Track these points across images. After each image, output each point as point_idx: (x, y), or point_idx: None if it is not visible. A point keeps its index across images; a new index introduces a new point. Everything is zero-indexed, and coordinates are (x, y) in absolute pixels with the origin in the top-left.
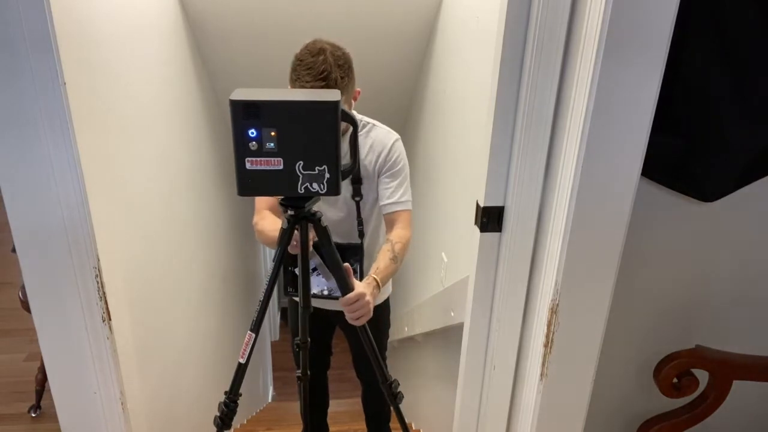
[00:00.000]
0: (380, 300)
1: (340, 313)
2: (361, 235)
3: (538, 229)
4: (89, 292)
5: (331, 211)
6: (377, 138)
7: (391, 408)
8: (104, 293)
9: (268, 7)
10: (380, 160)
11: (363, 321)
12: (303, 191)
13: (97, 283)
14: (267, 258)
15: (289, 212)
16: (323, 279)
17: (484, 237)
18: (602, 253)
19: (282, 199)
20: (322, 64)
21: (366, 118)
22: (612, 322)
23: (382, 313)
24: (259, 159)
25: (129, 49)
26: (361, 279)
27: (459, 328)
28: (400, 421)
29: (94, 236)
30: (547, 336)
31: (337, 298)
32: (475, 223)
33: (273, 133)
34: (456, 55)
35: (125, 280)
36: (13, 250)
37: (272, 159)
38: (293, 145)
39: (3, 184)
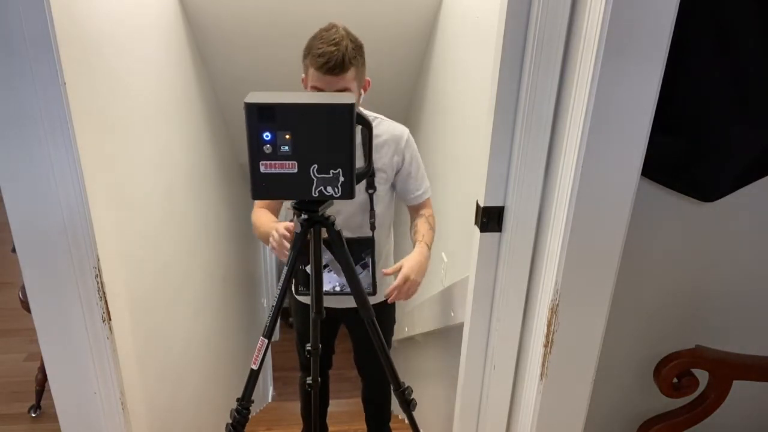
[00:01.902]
0: (383, 299)
1: (348, 311)
2: (373, 227)
3: (538, 229)
4: (89, 292)
5: (343, 204)
6: (389, 131)
7: (399, 413)
8: (104, 293)
9: (267, 6)
10: (397, 154)
11: (408, 296)
12: (317, 195)
13: (97, 283)
14: (267, 258)
15: (303, 216)
16: (335, 275)
17: (484, 237)
18: (602, 253)
19: (295, 203)
20: (335, 34)
21: (372, 113)
22: (612, 322)
23: (389, 311)
24: (273, 162)
25: (129, 49)
26: (373, 273)
27: (459, 328)
28: (414, 429)
29: (94, 236)
30: (547, 336)
31: (349, 294)
32: (475, 223)
33: (287, 136)
34: (456, 55)
35: (125, 280)
36: (13, 250)
37: (287, 162)
38: (308, 149)
39: (3, 184)
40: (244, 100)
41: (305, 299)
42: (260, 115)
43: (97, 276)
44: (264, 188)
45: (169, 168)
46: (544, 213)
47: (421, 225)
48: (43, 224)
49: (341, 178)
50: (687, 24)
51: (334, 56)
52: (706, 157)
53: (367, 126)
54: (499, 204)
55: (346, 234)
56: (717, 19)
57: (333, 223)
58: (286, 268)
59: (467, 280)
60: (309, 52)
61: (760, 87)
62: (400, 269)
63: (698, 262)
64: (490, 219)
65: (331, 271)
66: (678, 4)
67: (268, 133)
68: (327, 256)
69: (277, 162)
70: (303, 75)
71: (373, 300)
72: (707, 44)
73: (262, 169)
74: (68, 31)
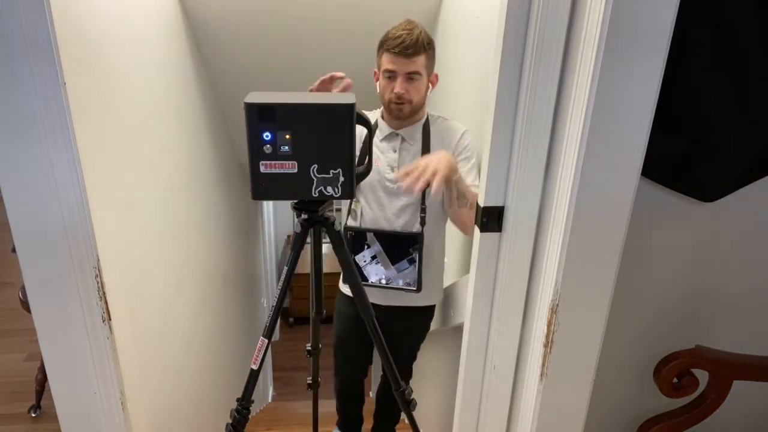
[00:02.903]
0: (428, 302)
1: (390, 310)
2: (423, 222)
3: (538, 229)
4: (89, 292)
5: (395, 200)
6: (449, 128)
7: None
8: (104, 293)
9: (267, 7)
10: (452, 146)
11: (422, 184)
12: (317, 195)
13: (97, 283)
14: (267, 258)
15: (303, 216)
16: (382, 268)
17: (484, 237)
18: (602, 253)
19: (295, 203)
20: (409, 24)
21: (437, 114)
22: (612, 322)
23: (426, 319)
24: (273, 162)
25: (129, 49)
26: (419, 270)
27: (459, 328)
28: (414, 429)
29: (94, 236)
30: (547, 336)
31: (394, 288)
32: (475, 222)
33: (287, 136)
34: (456, 55)
35: (125, 280)
36: (13, 250)
37: (287, 162)
38: (308, 149)
39: (3, 184)
40: (244, 100)
41: (350, 293)
42: (260, 115)
43: (97, 276)
44: (264, 188)
45: (169, 168)
46: (544, 213)
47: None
48: (43, 224)
49: (341, 178)
50: (687, 24)
51: (409, 37)
52: (706, 157)
53: (367, 126)
54: (499, 204)
55: (396, 228)
56: (717, 19)
57: (333, 223)
58: (286, 268)
59: (467, 280)
60: (384, 40)
61: (760, 87)
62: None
63: (698, 262)
64: (490, 219)
65: (378, 263)
66: (678, 4)
67: (268, 133)
68: (376, 248)
69: (277, 162)
70: (375, 71)
71: (414, 303)
72: (707, 44)
73: (263, 169)
74: (68, 31)
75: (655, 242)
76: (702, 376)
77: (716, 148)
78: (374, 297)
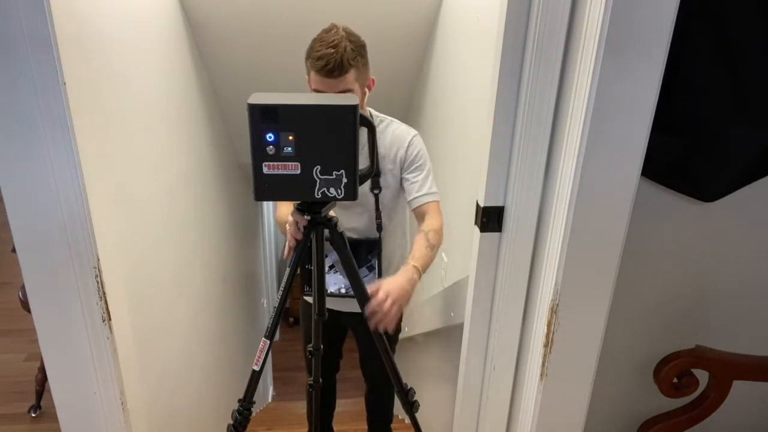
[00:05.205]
0: None
1: (353, 315)
2: (379, 228)
3: (538, 229)
4: (89, 292)
5: (349, 205)
6: (396, 133)
7: (403, 414)
8: (104, 293)
9: (268, 7)
10: (400, 156)
11: (392, 324)
12: (320, 196)
13: (97, 283)
14: (267, 258)
15: (305, 217)
16: (340, 277)
17: (484, 237)
18: (602, 253)
19: (298, 204)
20: (334, 35)
21: (382, 115)
22: (612, 322)
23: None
24: (276, 163)
25: (129, 49)
26: (379, 275)
27: (459, 328)
28: (416, 430)
29: (94, 236)
30: (547, 336)
31: (354, 296)
32: (475, 223)
33: (291, 138)
34: (456, 56)
35: (125, 280)
36: (13, 250)
37: (289, 163)
38: (311, 150)
39: (3, 183)
40: (247, 101)
41: (311, 299)
42: (263, 116)
43: (97, 276)
44: (267, 189)
45: (170, 168)
46: (544, 213)
47: (418, 244)
48: (43, 224)
49: (344, 180)
50: (687, 24)
51: (333, 59)
52: (706, 157)
53: (370, 127)
54: (499, 204)
55: (353, 235)
56: (717, 19)
57: (336, 225)
58: (288, 270)
59: (467, 280)
60: (309, 54)
61: (759, 87)
62: (377, 291)
63: (698, 262)
64: (490, 219)
65: (337, 272)
66: (678, 4)
67: (271, 134)
68: (333, 257)
69: (280, 163)
70: (307, 76)
71: None
72: (707, 44)
73: (265, 170)
74: (68, 31)
75: (655, 242)
76: (702, 376)
77: (716, 148)
78: (334, 304)
